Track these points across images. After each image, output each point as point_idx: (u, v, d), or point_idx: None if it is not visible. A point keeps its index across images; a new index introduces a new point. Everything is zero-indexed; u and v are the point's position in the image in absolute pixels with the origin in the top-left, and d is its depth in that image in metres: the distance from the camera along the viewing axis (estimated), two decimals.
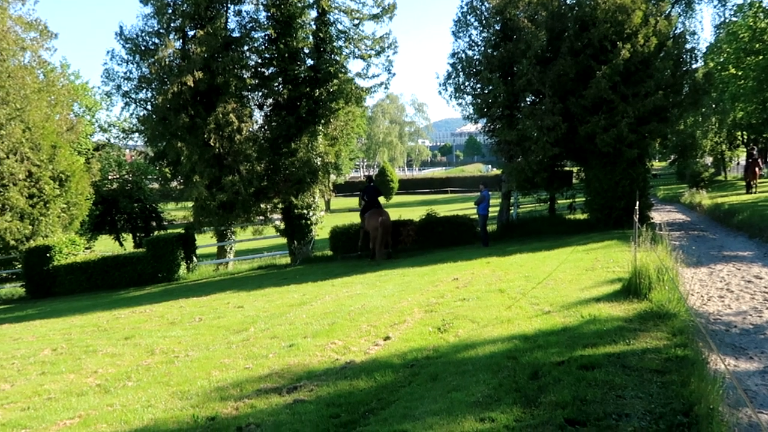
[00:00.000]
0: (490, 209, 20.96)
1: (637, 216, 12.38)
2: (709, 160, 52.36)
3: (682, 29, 20.83)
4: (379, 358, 7.49)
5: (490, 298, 10.38)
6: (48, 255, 21.96)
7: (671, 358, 6.20)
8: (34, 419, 6.72)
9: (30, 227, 23.14)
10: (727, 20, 33.50)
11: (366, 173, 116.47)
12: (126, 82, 23.78)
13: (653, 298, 8.66)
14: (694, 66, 21.26)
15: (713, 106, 37.74)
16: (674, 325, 7.40)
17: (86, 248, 26.89)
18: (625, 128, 18.79)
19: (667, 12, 20.63)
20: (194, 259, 23.23)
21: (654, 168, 48.54)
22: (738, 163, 54.74)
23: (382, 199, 25.56)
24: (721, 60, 33.38)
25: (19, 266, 23.46)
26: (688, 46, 20.80)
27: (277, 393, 6.58)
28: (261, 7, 23.33)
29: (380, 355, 7.67)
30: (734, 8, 32.52)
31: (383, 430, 5.18)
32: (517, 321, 8.45)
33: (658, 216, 25.41)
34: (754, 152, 32.68)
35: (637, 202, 16.20)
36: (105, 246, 34.51)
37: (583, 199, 22.68)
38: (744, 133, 45.80)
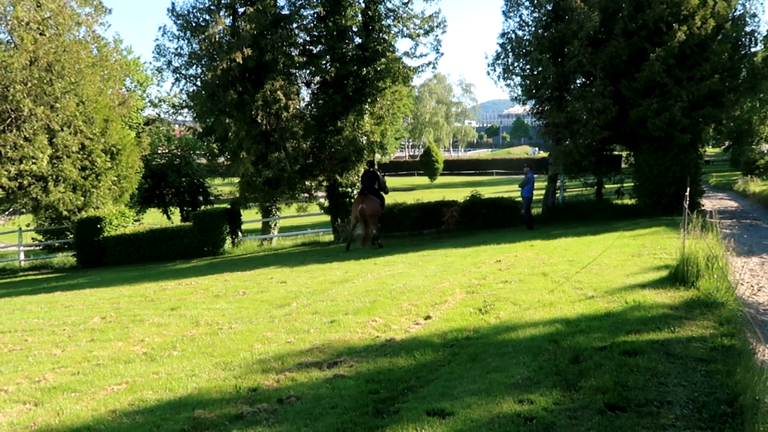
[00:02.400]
0: (535, 192, 20.73)
1: (687, 202, 12.10)
2: (765, 147, 50.70)
3: (741, 11, 20.05)
4: (420, 337, 7.51)
5: (533, 281, 10.30)
6: (99, 226, 22.52)
7: (717, 348, 6.07)
8: (84, 384, 6.94)
9: (82, 198, 23.74)
10: None
11: (411, 153, 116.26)
12: (176, 57, 24.13)
13: (701, 287, 8.48)
14: (753, 50, 20.60)
15: None
16: (722, 314, 7.24)
17: (135, 220, 27.50)
18: (678, 112, 18.34)
19: None
20: (239, 234, 23.55)
21: (707, 154, 47.26)
22: None
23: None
24: None
25: (71, 236, 24.13)
26: (747, 29, 20.12)
27: (317, 367, 6.66)
28: None
29: (420, 334, 7.69)
30: None
31: (422, 407, 5.21)
32: (560, 305, 8.37)
33: (709, 203, 24.80)
34: None
35: (688, 189, 15.83)
36: (153, 219, 35.26)
37: (632, 184, 22.28)
38: None
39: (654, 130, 18.83)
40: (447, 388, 5.68)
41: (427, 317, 8.45)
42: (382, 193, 19.45)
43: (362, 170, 24.52)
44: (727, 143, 51.06)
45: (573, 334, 6.90)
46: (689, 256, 9.00)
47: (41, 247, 27.57)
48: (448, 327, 7.83)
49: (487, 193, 24.36)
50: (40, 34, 22.64)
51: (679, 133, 18.77)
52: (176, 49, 24.07)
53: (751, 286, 10.30)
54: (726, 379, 5.25)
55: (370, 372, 6.32)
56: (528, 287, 9.76)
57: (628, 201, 22.58)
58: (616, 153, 23.64)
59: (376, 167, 20.68)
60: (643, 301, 8.11)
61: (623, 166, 23.76)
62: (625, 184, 23.88)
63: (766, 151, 48.58)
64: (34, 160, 21.95)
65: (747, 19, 20.06)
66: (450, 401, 5.27)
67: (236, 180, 25.49)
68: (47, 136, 22.40)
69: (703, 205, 20.62)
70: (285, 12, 23.34)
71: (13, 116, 21.88)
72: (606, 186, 24.93)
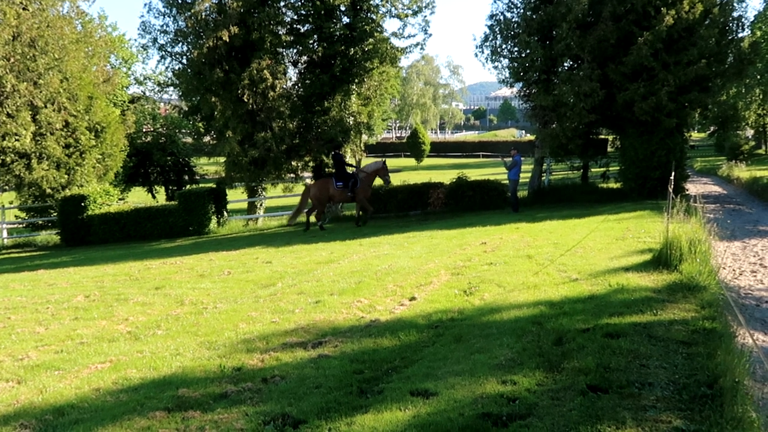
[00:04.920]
0: (522, 175, 20.77)
1: (672, 187, 12.17)
2: (750, 132, 51.06)
3: None
4: (404, 318, 7.54)
5: (518, 263, 10.35)
6: (83, 204, 22.31)
7: (698, 330, 6.14)
8: (67, 362, 6.92)
9: (66, 176, 23.47)
10: None
11: (398, 135, 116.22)
12: (162, 35, 23.90)
13: (684, 270, 8.55)
14: (740, 35, 20.64)
15: (758, 77, 36.56)
16: (704, 298, 7.31)
17: (120, 199, 27.30)
18: (664, 97, 18.38)
19: None
20: (225, 213, 23.41)
21: (692, 139, 47.53)
22: None
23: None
24: None
25: (55, 214, 23.91)
26: (735, 14, 20.15)
27: (302, 347, 6.67)
28: None
29: (405, 314, 7.72)
30: None
31: (406, 387, 5.23)
32: (544, 287, 8.42)
33: (693, 188, 24.99)
34: None
35: (673, 173, 15.90)
36: (138, 198, 35.01)
37: (618, 168, 22.36)
38: None
39: (640, 114, 18.88)
40: (431, 368, 5.71)
41: (412, 298, 8.48)
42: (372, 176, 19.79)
43: (349, 150, 24.51)
44: (712, 128, 51.34)
45: (556, 316, 6.95)
46: (673, 240, 9.07)
47: (24, 225, 27.34)
48: (433, 308, 7.87)
49: (474, 175, 24.35)
50: (23, 8, 22.24)
51: (665, 117, 18.83)
52: (162, 26, 23.85)
53: (733, 270, 10.41)
54: (707, 361, 5.31)
55: (354, 352, 6.34)
56: (513, 269, 9.80)
57: (613, 185, 22.69)
58: (602, 137, 23.71)
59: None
60: (627, 284, 8.17)
61: (609, 149, 23.84)
62: (610, 168, 23.97)
63: (750, 137, 48.93)
64: (17, 137, 21.65)
65: (735, 4, 20.10)
66: (434, 382, 5.31)
67: (222, 159, 25.34)
68: (30, 112, 22.08)
69: (687, 190, 20.76)
70: None
71: None
72: (592, 170, 25.02)
